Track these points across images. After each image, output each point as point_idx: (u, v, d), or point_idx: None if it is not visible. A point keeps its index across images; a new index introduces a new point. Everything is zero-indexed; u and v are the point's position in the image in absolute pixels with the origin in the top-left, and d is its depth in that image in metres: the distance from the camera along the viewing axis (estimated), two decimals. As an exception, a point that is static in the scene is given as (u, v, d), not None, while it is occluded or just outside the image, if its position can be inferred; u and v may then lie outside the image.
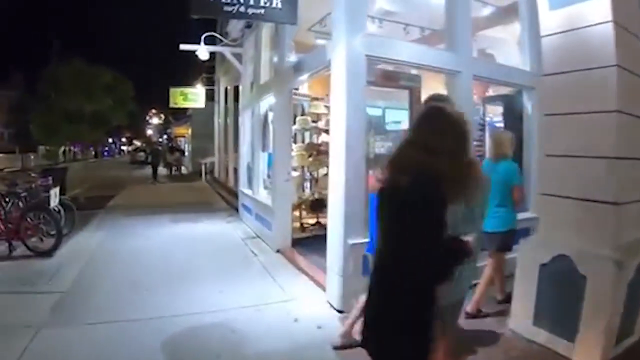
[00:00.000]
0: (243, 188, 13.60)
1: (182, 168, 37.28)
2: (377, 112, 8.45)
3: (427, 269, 2.35)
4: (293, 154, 10.36)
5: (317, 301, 6.53)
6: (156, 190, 23.89)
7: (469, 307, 5.69)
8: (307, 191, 11.43)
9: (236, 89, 19.41)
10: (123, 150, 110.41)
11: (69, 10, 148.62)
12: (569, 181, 5.03)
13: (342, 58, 6.19)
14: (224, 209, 16.14)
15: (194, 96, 28.58)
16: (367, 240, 5.87)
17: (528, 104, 8.10)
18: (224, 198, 18.67)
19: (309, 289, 7.13)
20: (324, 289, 6.72)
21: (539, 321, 5.08)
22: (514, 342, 5.18)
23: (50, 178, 10.76)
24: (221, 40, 15.18)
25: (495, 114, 9.46)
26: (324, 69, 7.27)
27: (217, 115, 25.41)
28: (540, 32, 5.45)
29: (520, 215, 6.37)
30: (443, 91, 7.40)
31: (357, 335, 4.91)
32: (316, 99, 11.67)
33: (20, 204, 9.44)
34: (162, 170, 32.78)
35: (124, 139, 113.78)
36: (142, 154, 52.64)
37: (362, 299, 4.71)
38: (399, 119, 9.33)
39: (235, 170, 17.93)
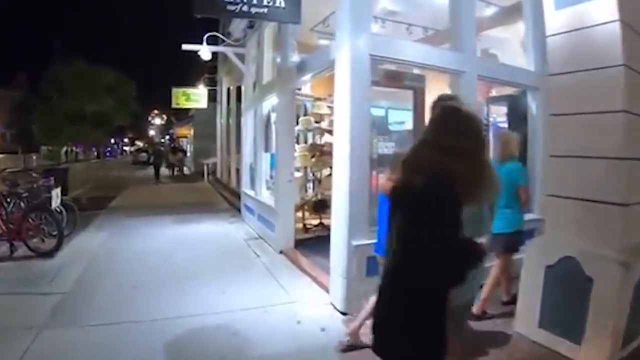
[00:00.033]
0: (245, 189, 13.57)
1: (185, 169, 37.26)
2: (379, 113, 8.41)
3: (440, 270, 2.31)
4: (296, 154, 10.32)
5: (321, 303, 6.48)
6: (158, 190, 23.91)
7: (474, 308, 5.63)
8: (310, 192, 11.40)
9: (238, 89, 19.41)
10: (125, 151, 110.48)
11: (72, 10, 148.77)
12: (575, 182, 4.99)
13: (346, 58, 6.15)
14: (226, 209, 16.13)
15: (196, 96, 28.58)
16: (371, 241, 5.83)
17: (532, 104, 8.06)
18: (226, 199, 18.66)
19: (312, 290, 7.08)
20: (327, 291, 6.68)
21: (545, 323, 5.02)
22: (519, 344, 5.13)
23: (52, 178, 10.77)
24: (223, 41, 15.14)
25: (499, 115, 9.41)
26: (328, 69, 7.20)
27: (220, 116, 25.41)
28: (545, 31, 5.40)
29: (525, 217, 6.32)
30: (447, 91, 7.38)
31: (364, 336, 4.98)
32: (319, 99, 11.66)
33: (22, 204, 9.42)
34: (164, 170, 32.80)
35: (126, 140, 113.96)
36: (144, 154, 52.73)
37: (372, 299, 4.72)
38: (402, 120, 9.28)
39: (238, 171, 17.94)
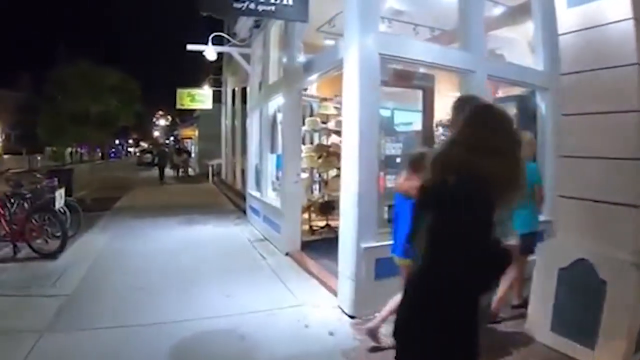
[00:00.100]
0: (251, 190, 13.51)
1: (189, 170, 37.30)
2: (385, 113, 8.33)
3: (472, 274, 2.23)
4: (302, 155, 10.23)
5: (329, 306, 6.39)
6: (163, 191, 23.92)
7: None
8: (316, 193, 11.33)
9: (243, 90, 19.38)
10: (130, 152, 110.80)
11: (76, 11, 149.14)
12: (588, 183, 4.92)
13: (354, 57, 6.07)
14: (231, 211, 16.08)
15: (201, 97, 28.59)
16: (380, 244, 5.86)
17: (542, 105, 7.97)
18: (232, 200, 18.60)
19: (320, 293, 6.98)
20: (335, 294, 6.59)
21: (557, 327, 4.95)
22: (530, 348, 5.05)
23: (55, 179, 10.75)
24: (229, 41, 15.08)
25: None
26: (336, 68, 7.12)
27: (225, 117, 25.38)
28: (555, 30, 5.35)
29: (536, 218, 6.22)
30: (456, 91, 7.30)
31: (383, 337, 5.01)
32: (325, 99, 11.59)
33: (26, 205, 9.37)
34: (169, 171, 32.88)
35: (130, 141, 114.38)
36: (148, 155, 52.82)
37: (394, 299, 4.75)
38: (408, 121, 9.22)
39: (243, 172, 17.90)
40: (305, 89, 10.32)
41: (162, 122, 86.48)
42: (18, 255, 8.81)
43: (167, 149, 41.44)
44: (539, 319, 5.17)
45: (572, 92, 5.19)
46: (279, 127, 11.11)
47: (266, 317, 6.02)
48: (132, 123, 27.70)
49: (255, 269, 8.43)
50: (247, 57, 14.59)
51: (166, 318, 5.88)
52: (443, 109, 8.89)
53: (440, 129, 9.33)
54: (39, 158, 40.98)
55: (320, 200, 10.92)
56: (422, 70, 7.93)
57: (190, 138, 52.03)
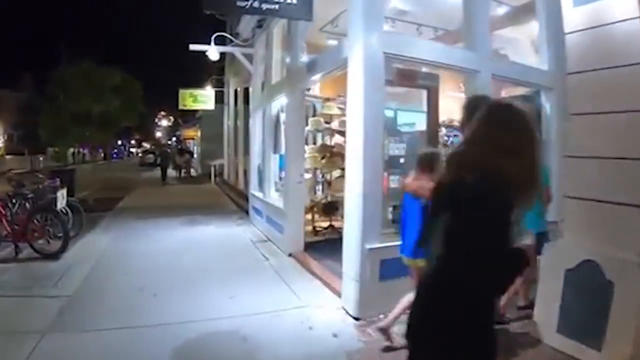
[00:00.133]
0: (254, 190, 13.46)
1: (192, 170, 37.29)
2: (389, 114, 8.31)
3: (488, 275, 2.19)
4: (305, 155, 10.18)
5: (332, 308, 6.33)
6: (165, 192, 23.91)
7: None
8: (320, 194, 11.28)
9: (246, 90, 19.36)
10: (132, 153, 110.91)
11: (78, 11, 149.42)
12: (594, 183, 4.88)
13: (359, 56, 6.01)
14: (233, 211, 16.04)
15: (203, 98, 28.56)
16: (384, 245, 5.87)
17: (546, 105, 7.89)
18: (234, 200, 18.57)
19: (324, 294, 6.92)
20: (338, 295, 6.53)
21: (564, 328, 4.90)
22: (536, 350, 5.01)
23: (57, 179, 10.69)
24: (231, 41, 15.05)
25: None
26: (340, 68, 7.07)
27: (227, 117, 25.37)
28: (560, 30, 5.34)
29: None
30: (461, 91, 7.26)
31: (396, 336, 5.00)
32: (328, 99, 11.54)
33: (27, 205, 9.35)
34: (171, 172, 32.90)
35: (133, 142, 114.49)
36: (151, 156, 52.83)
37: (406, 298, 4.78)
38: (411, 121, 9.20)
39: (245, 173, 17.88)
40: (309, 89, 10.28)
41: (165, 122, 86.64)
42: (20, 255, 8.77)
43: (169, 150, 41.56)
44: (545, 320, 5.13)
45: (579, 92, 5.14)
46: (282, 127, 11.05)
47: (270, 319, 5.97)
48: (134, 123, 27.72)
49: (258, 269, 8.38)
50: (249, 57, 14.59)
51: (168, 319, 5.84)
52: (445, 109, 8.87)
53: (444, 130, 9.30)
54: (41, 159, 41.10)
55: (324, 201, 10.86)
56: (426, 69, 7.89)
57: (192, 139, 52.05)
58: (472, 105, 3.06)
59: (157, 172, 31.18)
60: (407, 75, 7.61)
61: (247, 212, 14.32)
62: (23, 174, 12.60)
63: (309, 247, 9.35)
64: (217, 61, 17.18)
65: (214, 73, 30.57)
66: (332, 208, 10.58)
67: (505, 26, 9.21)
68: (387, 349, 5.00)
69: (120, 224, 12.84)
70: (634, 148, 4.50)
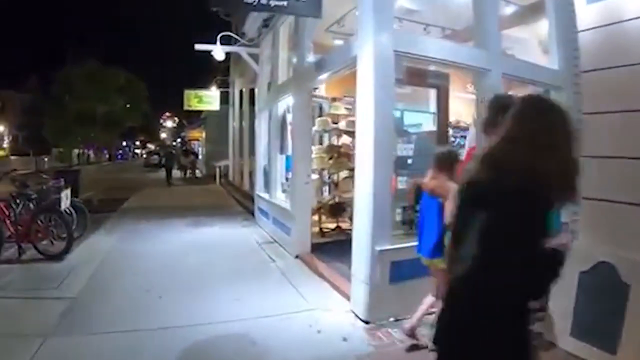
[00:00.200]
0: (259, 191, 13.39)
1: (197, 171, 37.33)
2: (395, 114, 8.26)
3: (524, 275, 2.13)
4: (312, 156, 10.09)
5: (341, 311, 6.21)
6: (170, 193, 23.90)
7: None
8: (327, 195, 11.16)
9: (251, 91, 19.34)
10: (137, 154, 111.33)
11: (84, 11, 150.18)
12: (609, 183, 4.80)
13: (369, 53, 5.90)
14: (239, 212, 16.00)
15: (208, 98, 28.59)
16: (394, 246, 5.82)
17: (557, 104, 7.74)
18: (239, 201, 18.54)
19: (332, 297, 6.81)
20: (347, 298, 6.41)
21: (577, 331, 4.81)
22: (549, 353, 4.88)
23: (62, 180, 10.65)
24: (237, 41, 14.96)
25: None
26: (349, 66, 6.95)
27: (232, 118, 25.31)
28: (571, 28, 5.32)
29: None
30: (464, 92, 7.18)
31: (421, 336, 5.02)
32: (335, 99, 11.47)
33: (31, 205, 9.27)
34: (176, 173, 32.97)
35: (137, 143, 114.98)
36: (155, 157, 52.93)
37: (428, 299, 4.88)
38: (418, 122, 9.13)
39: (250, 174, 17.83)
40: (316, 89, 10.18)
41: (169, 123, 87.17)
42: (23, 256, 8.69)
43: (174, 151, 41.55)
44: (558, 323, 5.02)
45: (593, 90, 5.06)
46: (289, 128, 10.98)
47: (278, 322, 5.87)
48: (139, 124, 28.04)
49: (265, 271, 8.29)
50: (255, 57, 14.52)
51: (173, 322, 5.74)
52: (452, 110, 8.78)
53: (450, 130, 9.21)
54: (45, 159, 41.12)
55: (331, 202, 10.74)
56: (436, 68, 7.81)
57: (197, 140, 52.13)
58: (497, 105, 3.00)
59: (162, 173, 31.34)
60: (416, 74, 7.53)
61: (252, 214, 14.25)
62: (27, 175, 12.54)
63: (316, 248, 9.24)
64: (222, 62, 17.16)
65: (219, 74, 30.64)
66: (340, 209, 10.50)
67: (512, 26, 9.12)
68: (413, 348, 4.99)
69: (124, 225, 12.77)
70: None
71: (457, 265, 2.38)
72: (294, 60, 10.27)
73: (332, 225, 10.82)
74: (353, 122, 8.67)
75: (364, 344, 5.23)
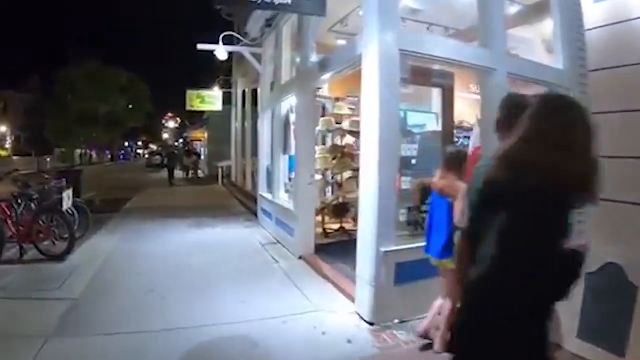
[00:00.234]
0: (262, 192, 13.33)
1: (199, 172, 37.34)
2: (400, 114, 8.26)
3: (539, 277, 2.12)
4: (316, 156, 10.03)
5: (346, 312, 6.16)
6: (172, 193, 23.87)
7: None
8: (330, 195, 11.11)
9: (254, 92, 19.32)
10: (139, 154, 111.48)
11: (86, 11, 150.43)
12: (617, 184, 4.66)
13: (374, 52, 5.85)
14: (241, 213, 15.93)
15: (211, 99, 28.52)
16: (399, 247, 5.78)
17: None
18: (242, 202, 18.49)
19: (336, 298, 6.76)
20: (352, 299, 6.37)
21: (585, 333, 4.76)
22: (556, 356, 4.75)
23: (64, 180, 10.65)
24: (240, 40, 14.93)
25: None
26: (353, 66, 6.91)
27: (235, 119, 25.27)
28: (576, 28, 5.29)
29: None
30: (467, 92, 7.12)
31: (435, 336, 5.01)
32: (338, 99, 11.46)
33: (33, 206, 9.23)
34: (178, 173, 32.99)
35: (140, 143, 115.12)
36: (158, 157, 52.96)
37: (438, 301, 4.92)
38: (421, 123, 9.08)
39: (253, 174, 17.81)
40: (320, 88, 10.12)
41: (172, 124, 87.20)
42: (25, 257, 8.66)
43: (176, 151, 41.60)
44: (564, 325, 4.94)
45: (602, 90, 4.98)
46: (292, 128, 10.92)
47: (281, 324, 5.82)
48: (141, 124, 28.03)
49: (269, 272, 8.23)
50: (258, 57, 14.53)
51: (176, 324, 5.69)
52: (455, 111, 8.73)
53: (455, 131, 9.16)
54: (48, 160, 41.12)
55: (335, 203, 10.70)
56: (440, 67, 7.77)
57: (199, 140, 52.13)
58: (511, 103, 2.96)
59: (164, 173, 31.34)
60: (421, 74, 7.48)
61: (255, 214, 14.18)
62: (29, 175, 12.50)
63: (320, 249, 9.18)
64: (225, 62, 17.14)
65: (222, 74, 30.62)
66: (343, 210, 10.45)
67: (516, 25, 9.08)
68: (426, 347, 5.02)
69: (127, 226, 12.74)
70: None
71: (475, 265, 2.34)
72: (297, 60, 10.20)
73: (336, 226, 10.74)
74: (357, 122, 8.62)
75: (369, 346, 5.19)
